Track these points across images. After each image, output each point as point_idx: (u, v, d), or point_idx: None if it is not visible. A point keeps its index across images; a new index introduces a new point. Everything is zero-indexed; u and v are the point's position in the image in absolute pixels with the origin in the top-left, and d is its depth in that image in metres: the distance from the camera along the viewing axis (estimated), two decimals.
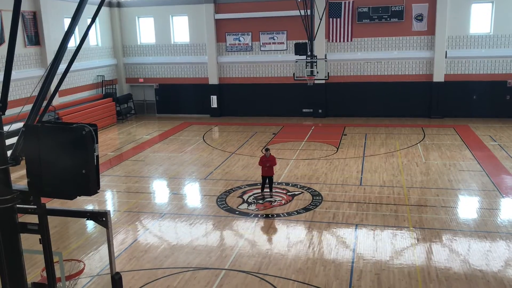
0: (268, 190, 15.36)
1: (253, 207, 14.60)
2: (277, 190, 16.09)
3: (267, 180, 15.32)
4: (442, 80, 27.81)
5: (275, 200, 14.89)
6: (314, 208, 14.39)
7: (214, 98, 31.13)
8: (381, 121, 27.92)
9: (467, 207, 14.57)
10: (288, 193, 15.59)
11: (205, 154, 21.39)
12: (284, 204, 14.69)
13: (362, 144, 22.54)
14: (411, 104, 28.44)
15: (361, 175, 17.89)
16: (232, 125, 27.96)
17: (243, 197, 15.53)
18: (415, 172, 17.84)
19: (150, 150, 22.66)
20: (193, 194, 16.53)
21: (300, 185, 16.75)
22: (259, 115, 30.42)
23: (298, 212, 14.15)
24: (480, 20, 27.25)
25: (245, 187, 16.76)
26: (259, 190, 15.94)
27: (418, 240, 12.22)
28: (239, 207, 14.65)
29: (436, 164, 18.76)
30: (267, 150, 15.41)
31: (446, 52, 27.62)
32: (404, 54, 28.07)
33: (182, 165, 19.76)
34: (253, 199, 15.23)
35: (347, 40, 28.22)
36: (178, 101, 31.63)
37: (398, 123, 27.23)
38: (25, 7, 23.80)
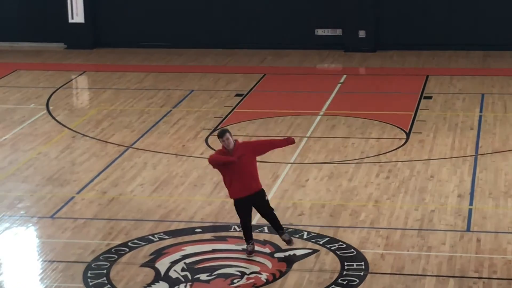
0: (277, 232, 10.95)
1: None
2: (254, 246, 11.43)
3: (251, 208, 10.66)
4: None
5: (243, 273, 10.54)
6: None
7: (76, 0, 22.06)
8: None
9: None
10: (276, 254, 11.04)
11: (54, 150, 14.96)
12: (267, 282, 10.19)
13: (473, 121, 16.23)
14: None
15: (470, 204, 12.12)
16: (128, 72, 19.73)
17: (156, 265, 10.82)
18: None
19: None
20: (21, 256, 11.28)
21: (308, 233, 11.72)
22: (202, 45, 21.86)
23: None
24: None
25: (161, 237, 11.54)
26: (198, 246, 11.33)
27: None
28: None
29: None
30: (222, 133, 10.71)
31: None
32: None
33: None
34: (183, 269, 10.67)
35: None
36: None
37: None
38: None
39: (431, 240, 10.72)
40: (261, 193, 10.43)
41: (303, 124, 15.57)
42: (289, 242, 10.58)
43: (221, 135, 10.13)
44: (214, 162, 10.35)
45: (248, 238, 10.54)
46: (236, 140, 10.28)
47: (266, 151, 10.97)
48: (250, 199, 10.34)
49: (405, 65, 20.29)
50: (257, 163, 12.59)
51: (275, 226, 10.59)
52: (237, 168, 10.25)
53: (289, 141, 10.84)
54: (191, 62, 20.20)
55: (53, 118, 16.39)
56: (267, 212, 10.50)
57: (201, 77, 18.79)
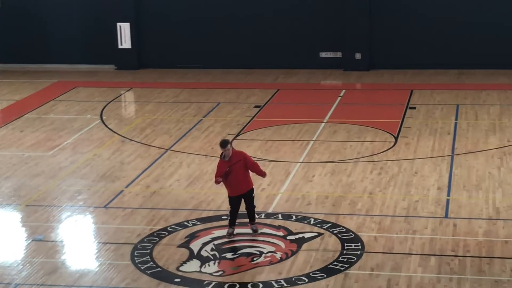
0: (249, 221, 10.89)
1: (212, 266, 10.07)
2: (266, 229, 11.22)
3: (241, 202, 10.59)
4: None
5: (261, 252, 10.41)
6: (346, 268, 9.90)
7: (124, 29, 22.00)
8: (491, 77, 19.67)
9: None
10: (288, 237, 10.96)
11: (106, 152, 14.60)
12: (281, 260, 10.12)
13: (449, 127, 15.58)
14: None
15: (448, 195, 11.93)
16: (166, 89, 19.13)
17: (190, 246, 10.72)
18: None
19: None
20: (80, 239, 11.40)
21: (314, 220, 11.61)
22: (227, 65, 20.96)
23: (310, 278, 9.58)
24: None
25: (194, 223, 11.28)
26: (224, 231, 11.12)
27: None
28: (181, 268, 9.98)
29: None
30: (224, 144, 10.52)
31: None
32: None
33: (55, 178, 13.28)
34: (212, 249, 10.65)
35: None
36: (45, 38, 22.19)
37: None
38: None
39: (416, 225, 10.50)
40: (250, 192, 10.50)
41: (310, 130, 15.36)
42: (255, 231, 10.69)
43: (223, 145, 10.01)
44: (220, 180, 10.49)
45: (231, 224, 10.55)
46: (233, 148, 10.49)
47: (249, 167, 10.90)
48: (241, 197, 10.43)
49: (394, 82, 19.50)
50: (272, 162, 13.37)
51: (250, 217, 10.45)
52: (232, 173, 10.22)
53: (263, 174, 11.01)
54: (218, 79, 19.72)
55: (106, 126, 15.79)
56: (250, 207, 10.54)
57: (226, 92, 18.45)
